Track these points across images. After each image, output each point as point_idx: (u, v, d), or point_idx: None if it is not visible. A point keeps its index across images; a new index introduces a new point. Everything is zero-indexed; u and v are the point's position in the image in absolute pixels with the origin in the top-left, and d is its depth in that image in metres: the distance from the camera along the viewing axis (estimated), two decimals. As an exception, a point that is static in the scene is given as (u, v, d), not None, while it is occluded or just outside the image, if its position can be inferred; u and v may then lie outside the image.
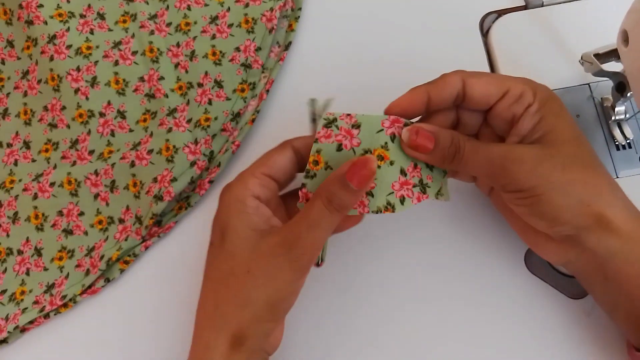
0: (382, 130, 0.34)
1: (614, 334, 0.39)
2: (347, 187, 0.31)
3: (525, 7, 0.48)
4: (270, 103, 0.47)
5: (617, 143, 0.43)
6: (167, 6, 0.48)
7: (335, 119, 0.34)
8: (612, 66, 0.39)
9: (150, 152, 0.44)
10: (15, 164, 0.46)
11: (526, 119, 0.34)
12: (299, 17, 0.48)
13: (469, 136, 0.34)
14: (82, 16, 0.47)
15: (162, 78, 0.45)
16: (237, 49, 0.46)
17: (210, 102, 0.45)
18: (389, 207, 0.33)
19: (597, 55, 0.39)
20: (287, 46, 0.47)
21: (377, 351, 0.41)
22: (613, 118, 0.43)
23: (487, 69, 0.47)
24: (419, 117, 0.37)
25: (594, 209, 0.31)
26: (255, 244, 0.33)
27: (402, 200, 0.33)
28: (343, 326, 0.41)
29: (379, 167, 0.33)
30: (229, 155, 0.45)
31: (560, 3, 0.47)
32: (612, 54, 0.39)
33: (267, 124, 0.46)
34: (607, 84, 0.42)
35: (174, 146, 0.43)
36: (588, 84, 0.44)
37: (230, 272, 0.33)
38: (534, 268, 0.41)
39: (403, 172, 0.34)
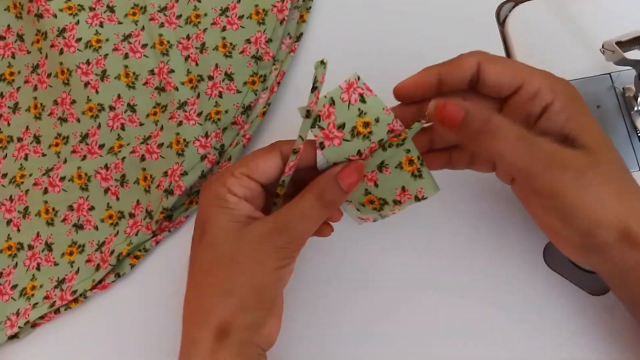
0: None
1: (635, 330, 0.38)
2: (338, 186, 0.32)
3: (543, -5, 0.47)
4: (282, 95, 0.46)
5: (639, 134, 0.42)
6: (177, -2, 0.47)
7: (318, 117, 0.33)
8: (635, 54, 0.38)
9: (160, 145, 0.43)
10: (26, 158, 0.46)
11: (550, 119, 0.32)
12: (310, 7, 0.47)
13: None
14: (91, 9, 0.47)
15: (172, 71, 0.45)
16: (248, 41, 0.45)
17: (220, 95, 0.44)
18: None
19: (619, 43, 0.38)
20: (299, 37, 0.46)
21: (388, 347, 0.40)
22: (636, 108, 0.41)
23: None
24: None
25: (624, 224, 0.30)
26: (238, 234, 0.32)
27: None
28: (350, 323, 0.40)
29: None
30: (240, 148, 0.44)
31: (579, -10, 0.46)
32: (635, 42, 0.38)
33: (279, 116, 0.46)
34: (630, 73, 0.41)
35: (184, 140, 0.42)
36: (609, 73, 0.43)
37: (212, 263, 0.32)
38: (553, 263, 0.40)
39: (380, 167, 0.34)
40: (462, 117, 0.30)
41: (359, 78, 0.32)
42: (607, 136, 0.32)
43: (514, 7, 0.47)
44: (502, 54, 0.46)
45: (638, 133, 0.42)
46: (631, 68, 0.39)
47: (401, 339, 0.40)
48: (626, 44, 0.38)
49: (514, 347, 0.39)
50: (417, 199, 0.34)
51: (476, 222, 0.42)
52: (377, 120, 0.32)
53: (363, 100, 0.32)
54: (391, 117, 0.32)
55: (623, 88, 0.43)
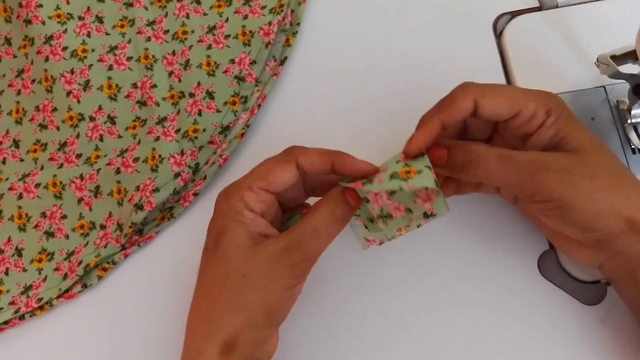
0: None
1: (629, 341, 0.39)
2: (346, 202, 0.33)
3: (539, 9, 0.47)
4: (262, 118, 0.46)
5: (633, 147, 0.42)
6: (166, 13, 0.47)
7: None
8: (629, 68, 0.39)
9: (136, 160, 0.43)
10: (4, 162, 0.46)
11: (541, 134, 0.34)
12: (297, 32, 0.47)
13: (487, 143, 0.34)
14: (80, 18, 0.47)
15: (154, 86, 0.45)
16: (232, 61, 0.45)
17: (200, 113, 0.45)
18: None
19: (613, 57, 0.39)
20: (283, 61, 0.47)
21: (384, 356, 0.40)
22: (629, 121, 0.42)
23: (500, 71, 0.46)
24: None
25: (625, 214, 0.31)
26: (252, 250, 0.32)
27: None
28: (349, 330, 0.41)
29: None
30: (216, 168, 0.44)
31: (575, 4, 0.47)
32: (629, 56, 0.38)
33: (257, 139, 0.46)
34: (624, 87, 0.41)
35: (159, 155, 0.43)
36: (604, 86, 0.44)
37: (225, 276, 0.33)
38: (548, 273, 0.41)
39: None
40: (446, 155, 0.33)
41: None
42: (599, 140, 0.34)
43: (510, 19, 0.47)
44: (499, 65, 0.46)
45: (631, 145, 0.42)
46: (625, 81, 0.40)
47: (393, 344, 0.40)
48: (620, 58, 0.39)
49: (507, 355, 0.39)
50: (426, 215, 0.34)
51: (470, 232, 0.42)
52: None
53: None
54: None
55: (617, 101, 0.43)
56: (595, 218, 0.32)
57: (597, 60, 0.41)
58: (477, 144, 0.34)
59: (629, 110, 0.42)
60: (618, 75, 0.39)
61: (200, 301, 0.34)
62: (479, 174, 0.33)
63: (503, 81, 0.46)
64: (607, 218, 0.32)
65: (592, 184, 0.32)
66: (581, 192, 0.32)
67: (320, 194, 0.36)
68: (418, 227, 0.35)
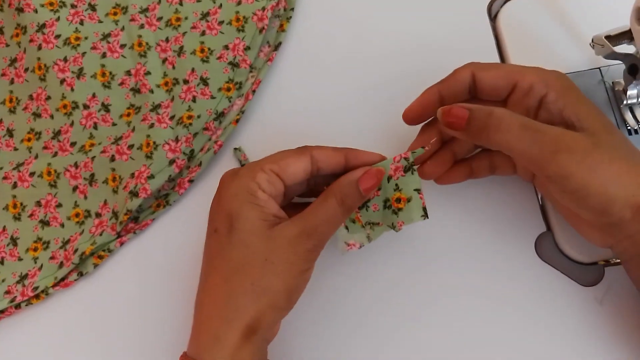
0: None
1: (627, 321, 0.39)
2: (358, 191, 0.34)
3: (533, -10, 0.47)
4: (256, 104, 0.46)
5: (629, 127, 0.42)
6: (159, 0, 0.47)
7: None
8: (625, 48, 0.38)
9: (130, 147, 0.43)
10: (-2, 151, 0.46)
11: (547, 109, 0.34)
12: (290, 17, 0.47)
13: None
14: (73, 6, 0.47)
15: (148, 73, 0.45)
16: (226, 47, 0.45)
17: (194, 100, 0.44)
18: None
19: (608, 37, 0.38)
20: (277, 46, 0.46)
21: (383, 341, 0.40)
22: (625, 102, 0.42)
23: (495, 54, 0.46)
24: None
25: (638, 200, 0.31)
26: (270, 233, 0.33)
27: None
28: (350, 320, 0.41)
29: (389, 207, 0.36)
30: (211, 154, 0.44)
31: (569, -15, 0.47)
32: (624, 36, 0.38)
33: (252, 125, 0.45)
34: (619, 68, 0.41)
35: (154, 142, 0.42)
36: (599, 67, 0.44)
37: (244, 262, 0.33)
38: (545, 255, 0.41)
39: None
40: (467, 116, 0.33)
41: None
42: (607, 119, 0.34)
43: (505, 2, 0.47)
44: (494, 48, 0.46)
45: (627, 126, 0.42)
46: (620, 62, 0.40)
47: (393, 330, 0.40)
48: (615, 38, 0.38)
49: (504, 337, 0.39)
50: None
51: (467, 214, 0.42)
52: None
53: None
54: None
55: (612, 82, 0.43)
56: (610, 203, 0.31)
57: (592, 41, 0.40)
58: (501, 109, 0.33)
59: (625, 91, 0.41)
60: (613, 56, 0.39)
61: (218, 286, 0.33)
62: (499, 141, 0.32)
63: (498, 64, 0.46)
64: (622, 203, 0.31)
65: (610, 169, 0.31)
66: (600, 176, 0.31)
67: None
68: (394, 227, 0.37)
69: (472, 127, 0.33)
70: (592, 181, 0.31)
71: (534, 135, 0.32)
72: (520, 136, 0.32)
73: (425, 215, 0.36)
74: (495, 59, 0.46)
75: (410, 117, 0.37)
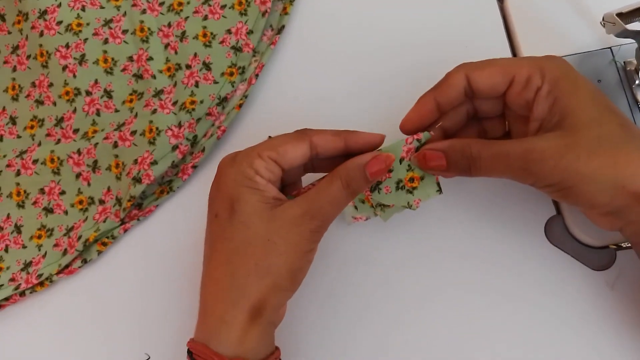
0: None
1: (639, 306, 0.38)
2: (364, 176, 0.33)
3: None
4: (260, 88, 0.45)
5: None
6: (161, -15, 0.47)
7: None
8: (637, 26, 0.37)
9: (133, 133, 0.43)
10: (1, 139, 0.46)
11: (539, 103, 0.33)
12: (293, 0, 0.46)
13: (484, 138, 0.35)
14: (74, -8, 0.46)
15: (150, 58, 0.44)
16: (229, 31, 0.45)
17: (197, 85, 0.44)
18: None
19: (620, 15, 0.37)
20: (280, 30, 0.46)
21: (390, 327, 0.40)
22: (637, 82, 0.41)
23: (504, 37, 0.45)
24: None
25: (630, 189, 0.31)
26: (272, 214, 0.33)
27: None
28: (356, 311, 0.40)
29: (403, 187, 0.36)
30: (214, 140, 0.43)
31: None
32: (636, 13, 0.37)
33: (255, 110, 0.45)
34: (631, 47, 0.40)
35: (157, 128, 0.42)
36: (610, 47, 0.43)
37: (246, 243, 0.32)
38: (555, 239, 0.40)
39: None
40: (446, 158, 0.34)
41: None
42: (603, 105, 0.32)
43: None
44: (502, 30, 0.45)
45: (639, 106, 0.41)
46: (632, 41, 0.39)
47: (397, 320, 0.40)
48: (627, 16, 0.37)
49: (516, 321, 0.39)
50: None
51: (476, 199, 0.41)
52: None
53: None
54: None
55: (624, 62, 0.42)
56: (597, 196, 0.31)
57: (603, 19, 0.39)
58: (473, 142, 0.34)
59: (637, 70, 0.41)
60: (625, 34, 0.38)
61: (220, 268, 0.33)
62: (483, 174, 0.34)
63: (507, 47, 0.45)
64: (609, 194, 0.31)
65: (589, 164, 0.31)
66: (579, 173, 0.31)
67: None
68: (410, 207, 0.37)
69: (455, 169, 0.34)
70: (572, 179, 0.31)
71: (504, 160, 0.32)
72: (495, 166, 0.33)
73: (440, 190, 0.36)
74: (504, 40, 0.45)
75: (407, 128, 0.36)
